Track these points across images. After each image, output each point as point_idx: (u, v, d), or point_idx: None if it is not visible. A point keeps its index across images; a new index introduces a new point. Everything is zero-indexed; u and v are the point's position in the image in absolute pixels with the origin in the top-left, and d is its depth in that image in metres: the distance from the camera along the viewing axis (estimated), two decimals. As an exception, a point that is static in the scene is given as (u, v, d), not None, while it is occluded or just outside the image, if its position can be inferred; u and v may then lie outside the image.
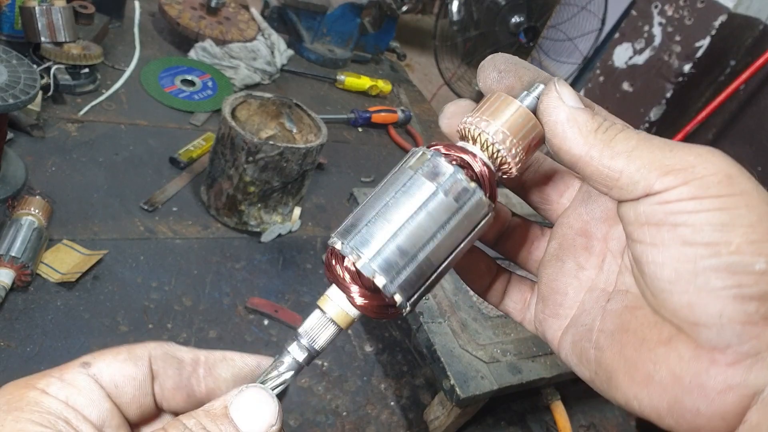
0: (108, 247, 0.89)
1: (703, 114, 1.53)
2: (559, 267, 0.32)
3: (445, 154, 0.28)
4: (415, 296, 0.28)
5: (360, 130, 1.47)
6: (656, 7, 1.55)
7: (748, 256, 0.23)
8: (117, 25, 1.38)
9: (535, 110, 0.28)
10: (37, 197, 0.86)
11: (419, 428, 0.86)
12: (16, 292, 0.77)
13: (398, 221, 0.27)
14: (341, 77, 1.57)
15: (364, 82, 1.59)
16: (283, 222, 1.06)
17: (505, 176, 0.30)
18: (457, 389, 0.75)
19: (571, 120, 0.27)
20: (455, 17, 1.88)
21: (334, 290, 0.28)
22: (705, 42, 1.47)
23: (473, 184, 0.28)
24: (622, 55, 1.63)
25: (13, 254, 0.76)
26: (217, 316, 0.88)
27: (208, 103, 1.28)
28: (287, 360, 0.28)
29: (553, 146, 0.28)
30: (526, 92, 0.29)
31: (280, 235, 1.06)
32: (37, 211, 0.83)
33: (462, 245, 0.28)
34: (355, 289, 0.27)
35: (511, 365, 0.82)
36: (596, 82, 1.71)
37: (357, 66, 1.73)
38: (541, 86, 0.29)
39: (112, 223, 0.94)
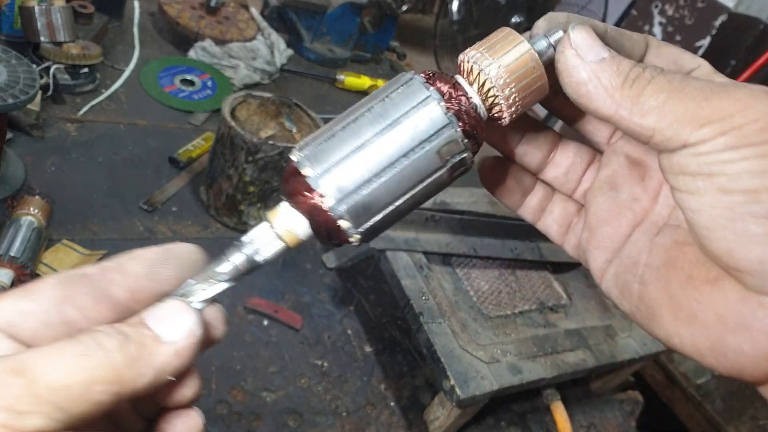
0: (107, 247, 0.89)
1: (704, 114, 1.53)
2: (612, 197, 0.30)
3: (427, 79, 0.26)
4: (367, 225, 0.26)
5: (360, 129, 1.47)
6: (656, 6, 1.55)
7: None
8: (116, 25, 1.38)
9: (544, 56, 0.26)
10: (37, 197, 0.85)
11: (419, 429, 0.86)
12: (15, 293, 0.77)
13: (361, 140, 0.25)
14: (341, 77, 1.57)
15: (364, 81, 1.59)
16: (282, 222, 1.06)
17: (494, 122, 0.28)
18: (457, 390, 0.75)
19: (593, 79, 0.25)
20: (455, 17, 1.88)
21: (285, 205, 0.27)
22: (705, 42, 1.47)
23: (449, 117, 0.26)
24: (622, 54, 1.62)
25: (12, 254, 0.76)
26: (217, 316, 0.88)
27: (207, 102, 1.28)
28: (225, 268, 0.27)
29: (581, 106, 0.26)
30: (542, 35, 0.27)
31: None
32: (36, 211, 0.83)
33: (426, 183, 0.26)
34: (303, 202, 0.26)
35: (512, 366, 0.82)
36: (597, 82, 1.70)
37: (357, 65, 1.73)
38: (560, 32, 0.26)
39: (112, 223, 0.94)
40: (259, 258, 0.27)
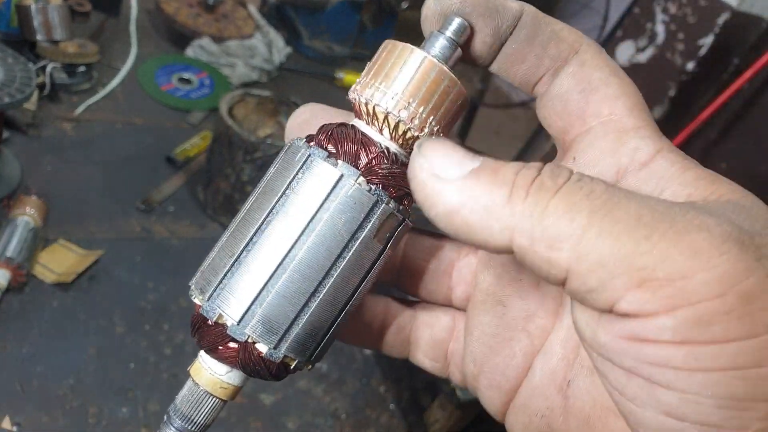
0: (104, 247, 0.88)
1: (707, 113, 1.52)
2: (498, 314, 0.23)
3: (329, 151, 0.20)
4: (317, 351, 0.21)
5: (359, 128, 1.46)
6: (659, 4, 1.54)
7: None
8: (113, 23, 1.37)
9: (449, 58, 0.20)
10: (33, 197, 0.85)
11: (419, 431, 0.86)
12: (11, 293, 0.77)
13: (277, 259, 0.19)
14: (340, 75, 1.56)
15: (363, 80, 1.58)
16: (281, 222, 1.06)
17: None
18: (457, 392, 0.74)
19: (465, 201, 0.17)
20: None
21: (205, 355, 0.22)
22: (708, 40, 1.46)
23: (373, 191, 0.20)
24: (624, 53, 1.61)
25: (8, 255, 0.75)
26: (215, 317, 0.87)
27: (205, 101, 1.27)
28: None
29: (464, 242, 0.19)
30: (436, 32, 0.20)
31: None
32: (32, 211, 0.83)
33: (375, 270, 0.21)
34: (213, 343, 0.21)
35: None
36: (598, 80, 1.69)
37: (356, 63, 1.72)
38: (457, 20, 0.20)
39: (108, 223, 0.93)
40: (195, 427, 0.23)
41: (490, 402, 0.24)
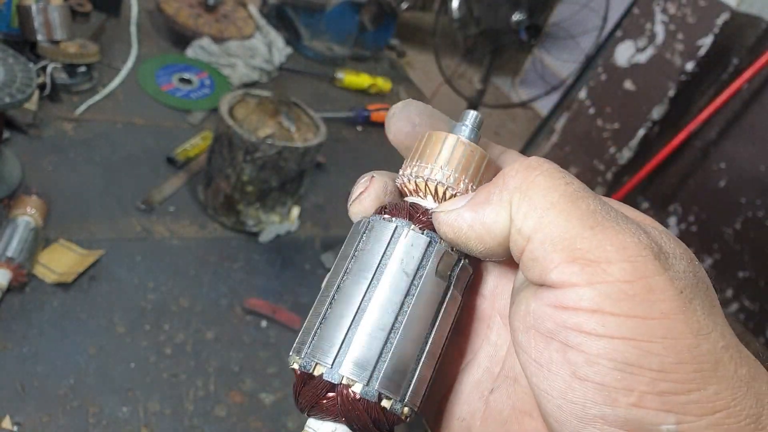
0: (105, 247, 0.88)
1: (706, 113, 1.52)
2: None
3: (385, 218, 0.24)
4: (410, 390, 0.22)
5: (359, 128, 1.46)
6: (659, 5, 1.54)
7: (653, 412, 0.18)
8: (114, 23, 1.37)
9: (473, 137, 0.25)
10: (34, 197, 0.85)
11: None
12: (12, 293, 0.77)
13: (355, 305, 0.22)
14: (340, 75, 1.56)
15: (363, 80, 1.58)
16: (281, 222, 1.06)
17: None
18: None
19: (477, 211, 0.21)
20: (455, 14, 1.87)
21: (312, 421, 0.22)
22: (708, 40, 1.46)
23: (426, 233, 0.23)
24: (624, 53, 1.62)
25: (9, 255, 0.76)
26: (215, 317, 0.87)
27: (205, 101, 1.27)
28: None
29: (489, 243, 0.22)
30: (459, 123, 0.25)
31: (278, 236, 1.05)
32: (33, 210, 0.83)
33: (444, 311, 0.23)
34: (331, 405, 0.21)
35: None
36: (598, 81, 1.70)
37: (356, 64, 1.72)
38: (473, 113, 0.25)
39: (109, 223, 0.94)
40: None
41: (428, 414, 0.26)
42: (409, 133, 0.26)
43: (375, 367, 0.22)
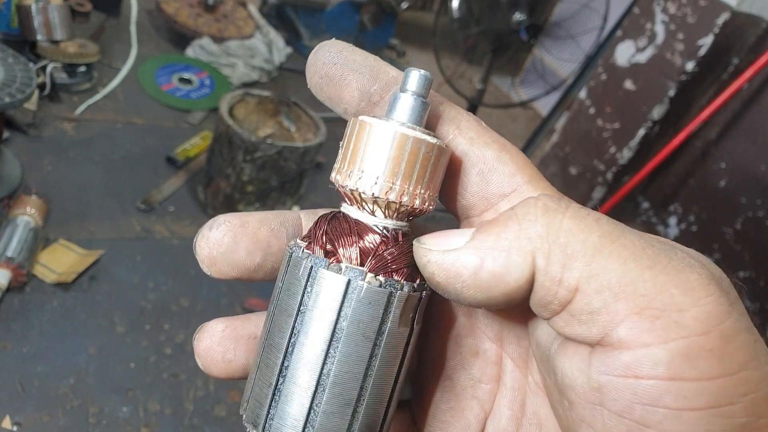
0: (104, 246, 0.88)
1: (707, 112, 1.52)
2: (448, 387, 0.23)
3: (329, 253, 0.20)
4: None
5: (359, 128, 1.46)
6: (659, 4, 1.54)
7: None
8: (114, 23, 1.37)
9: (421, 116, 0.19)
10: (33, 197, 0.85)
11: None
12: (12, 293, 0.77)
13: (311, 382, 0.19)
14: (341, 75, 1.56)
15: (363, 80, 1.58)
16: (281, 221, 1.06)
17: (420, 215, 0.21)
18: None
19: (483, 257, 0.17)
20: (455, 14, 1.86)
21: None
22: (708, 40, 1.46)
23: (384, 284, 0.19)
24: (624, 53, 1.62)
25: (9, 255, 0.75)
26: (215, 316, 0.87)
27: (205, 101, 1.27)
28: None
29: (493, 298, 0.18)
30: (397, 93, 0.20)
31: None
32: (33, 210, 0.83)
33: (410, 350, 0.21)
34: None
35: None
36: (598, 81, 1.69)
37: (357, 64, 1.72)
38: (415, 73, 0.19)
39: (109, 223, 0.93)
40: None
41: None
42: (318, 84, 0.22)
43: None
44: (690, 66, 1.54)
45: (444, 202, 0.23)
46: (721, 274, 0.17)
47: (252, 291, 0.94)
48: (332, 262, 0.19)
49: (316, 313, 0.19)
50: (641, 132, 1.63)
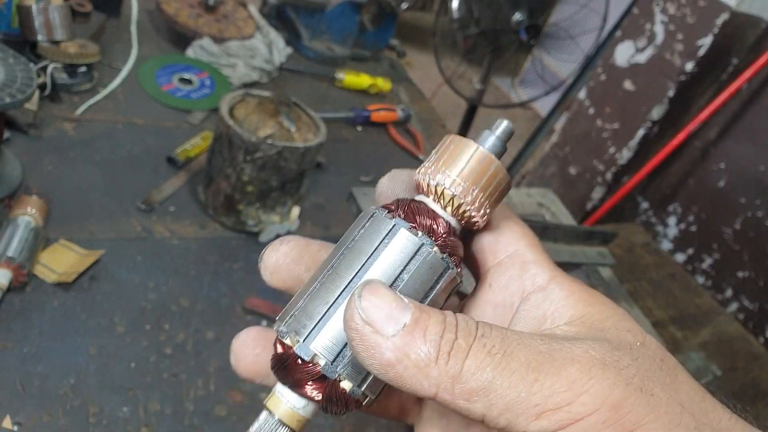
0: (105, 247, 0.88)
1: (706, 113, 1.52)
2: (443, 425, 0.27)
3: (410, 223, 0.24)
4: (368, 382, 0.24)
5: (359, 128, 1.46)
6: (658, 5, 1.54)
7: None
8: (114, 24, 1.37)
9: (496, 150, 0.25)
10: (34, 197, 0.85)
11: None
12: (12, 293, 0.77)
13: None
14: (340, 75, 1.57)
15: (363, 80, 1.58)
16: (281, 222, 1.06)
17: (467, 229, 0.26)
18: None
19: (402, 359, 0.20)
20: (455, 14, 1.87)
21: (281, 386, 0.25)
22: (707, 40, 1.46)
23: (444, 259, 0.24)
24: (624, 53, 1.62)
25: (9, 254, 0.76)
26: (215, 316, 0.88)
27: (205, 101, 1.28)
28: None
29: (395, 386, 0.21)
30: (488, 131, 0.25)
31: (278, 235, 1.05)
32: (33, 210, 0.83)
33: None
34: (301, 380, 0.23)
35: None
36: (598, 81, 1.70)
37: (356, 64, 1.72)
38: (504, 123, 0.25)
39: (109, 223, 0.94)
40: None
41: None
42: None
43: (369, 372, 0.23)
44: (689, 66, 1.54)
45: (466, 257, 0.27)
46: (616, 337, 0.21)
47: (253, 291, 0.94)
48: (411, 228, 0.24)
49: (387, 259, 0.23)
50: (641, 132, 1.64)
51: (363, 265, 0.23)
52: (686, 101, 1.59)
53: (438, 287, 0.24)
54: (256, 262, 0.99)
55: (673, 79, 1.52)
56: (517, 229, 0.26)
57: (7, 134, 0.97)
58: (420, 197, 0.26)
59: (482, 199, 0.24)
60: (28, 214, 0.82)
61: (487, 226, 0.27)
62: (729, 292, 1.58)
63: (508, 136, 0.25)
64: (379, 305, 0.21)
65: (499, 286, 0.26)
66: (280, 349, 0.24)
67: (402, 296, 0.21)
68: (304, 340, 0.23)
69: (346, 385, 0.24)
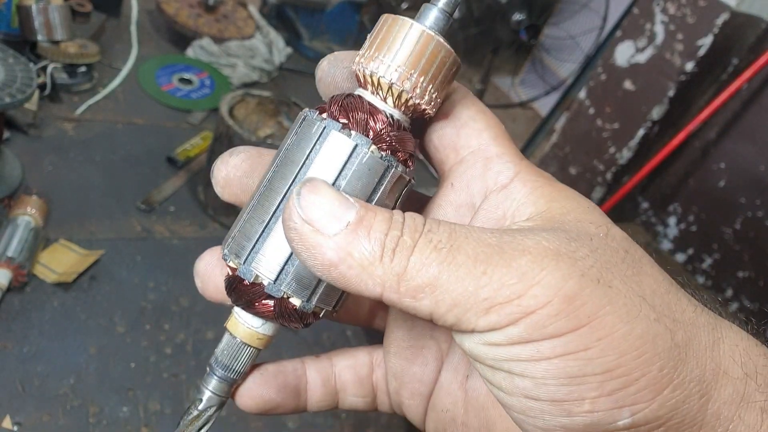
0: (105, 247, 0.88)
1: (706, 113, 1.52)
2: (409, 327, 0.26)
3: (342, 123, 0.22)
4: (341, 300, 0.23)
5: (359, 128, 1.46)
6: (658, 5, 1.54)
7: (607, 413, 0.18)
8: (114, 24, 1.37)
9: (440, 27, 0.22)
10: (34, 197, 0.85)
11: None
12: (12, 293, 0.77)
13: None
14: (341, 75, 1.57)
15: (363, 80, 1.58)
16: (281, 221, 1.06)
17: (420, 118, 0.24)
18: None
19: (345, 258, 0.19)
20: (455, 14, 1.87)
21: (241, 311, 0.24)
22: (707, 40, 1.46)
23: (384, 158, 0.22)
24: (624, 53, 1.62)
25: (9, 254, 0.76)
26: (215, 316, 0.88)
27: (205, 101, 1.28)
28: (206, 397, 0.26)
29: (338, 287, 0.20)
30: (428, 5, 0.22)
31: (278, 235, 1.05)
32: (33, 210, 0.83)
33: None
34: (250, 300, 0.23)
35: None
36: (598, 81, 1.70)
37: (356, 64, 1.72)
38: None
39: (109, 223, 0.94)
40: (234, 374, 0.25)
41: (414, 411, 0.27)
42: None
43: (316, 286, 0.22)
44: (689, 66, 1.54)
45: (426, 153, 0.25)
46: (575, 226, 0.20)
47: (252, 291, 0.94)
48: (343, 128, 0.22)
49: (319, 167, 0.21)
50: (641, 132, 1.64)
51: (296, 176, 0.22)
52: (686, 101, 1.59)
53: (382, 189, 0.22)
54: (256, 262, 0.99)
55: (673, 79, 1.52)
56: (480, 119, 0.24)
57: (7, 134, 0.97)
58: (359, 90, 0.23)
59: (424, 84, 0.21)
60: (28, 214, 0.82)
61: (447, 116, 0.24)
62: (729, 292, 1.58)
63: (452, 6, 0.22)
64: (318, 203, 0.19)
65: (461, 185, 0.24)
66: (228, 272, 0.24)
67: (346, 195, 0.20)
68: (244, 262, 0.22)
69: (295, 301, 0.23)
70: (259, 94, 1.04)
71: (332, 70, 0.24)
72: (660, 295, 0.19)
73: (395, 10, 1.68)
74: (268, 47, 1.47)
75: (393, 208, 0.23)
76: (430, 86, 0.22)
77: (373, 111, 0.22)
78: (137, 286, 0.86)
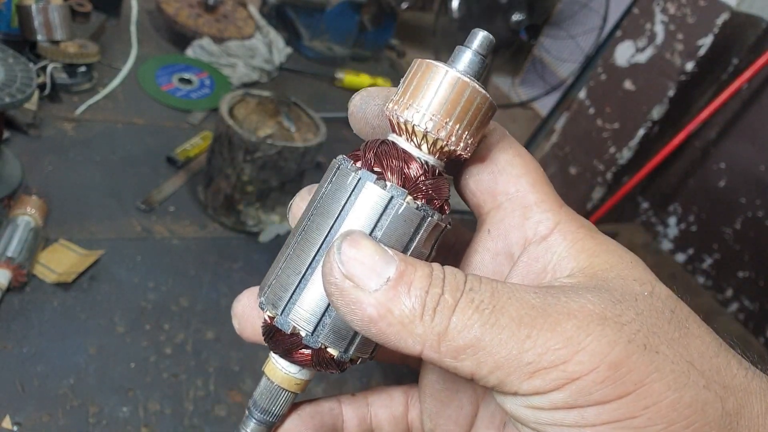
0: (105, 247, 0.88)
1: (706, 112, 1.52)
2: (443, 370, 0.25)
3: (376, 172, 0.22)
4: (355, 345, 0.23)
5: (359, 128, 1.46)
6: (658, 5, 1.54)
7: None
8: (114, 23, 1.37)
9: (475, 71, 0.22)
10: (34, 197, 0.85)
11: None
12: (12, 293, 0.77)
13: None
14: (340, 75, 1.57)
15: (363, 80, 1.58)
16: (281, 222, 1.06)
17: (457, 160, 0.24)
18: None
19: (385, 315, 0.19)
20: (455, 14, 1.87)
21: (278, 357, 0.25)
22: (707, 40, 1.46)
23: (420, 207, 0.21)
24: (624, 53, 1.62)
25: (9, 254, 0.76)
26: (215, 316, 0.87)
27: (205, 101, 1.28)
28: None
29: (379, 343, 0.20)
30: (461, 47, 0.22)
31: (278, 235, 1.05)
32: (33, 210, 0.83)
33: None
34: (288, 350, 0.23)
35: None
36: (598, 81, 1.69)
37: (356, 64, 1.72)
38: (481, 34, 0.21)
39: (109, 223, 0.94)
40: (272, 417, 0.26)
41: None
42: (370, 134, 0.25)
43: (353, 338, 0.23)
44: (689, 66, 1.54)
45: (462, 195, 0.25)
46: (620, 287, 0.19)
47: (252, 291, 0.94)
48: (379, 179, 0.22)
49: (355, 220, 0.22)
50: (641, 132, 1.63)
51: (331, 228, 0.22)
52: (686, 101, 1.59)
53: (418, 238, 0.22)
54: (255, 262, 0.99)
55: (673, 79, 1.52)
56: (518, 163, 0.23)
57: (6, 134, 0.97)
58: (392, 136, 0.23)
59: (459, 132, 0.21)
60: (28, 214, 0.82)
61: (483, 160, 0.24)
62: (729, 292, 1.58)
63: (487, 49, 0.22)
64: (359, 258, 0.19)
65: (499, 233, 0.23)
66: (266, 319, 0.24)
67: (386, 248, 0.20)
68: (281, 313, 0.23)
69: (332, 351, 0.23)
70: (259, 94, 1.04)
71: (363, 106, 0.25)
72: (709, 359, 0.19)
73: (395, 11, 1.68)
74: (268, 47, 1.46)
75: (430, 255, 0.23)
76: (466, 133, 0.22)
77: (407, 158, 0.22)
78: (137, 286, 0.86)
